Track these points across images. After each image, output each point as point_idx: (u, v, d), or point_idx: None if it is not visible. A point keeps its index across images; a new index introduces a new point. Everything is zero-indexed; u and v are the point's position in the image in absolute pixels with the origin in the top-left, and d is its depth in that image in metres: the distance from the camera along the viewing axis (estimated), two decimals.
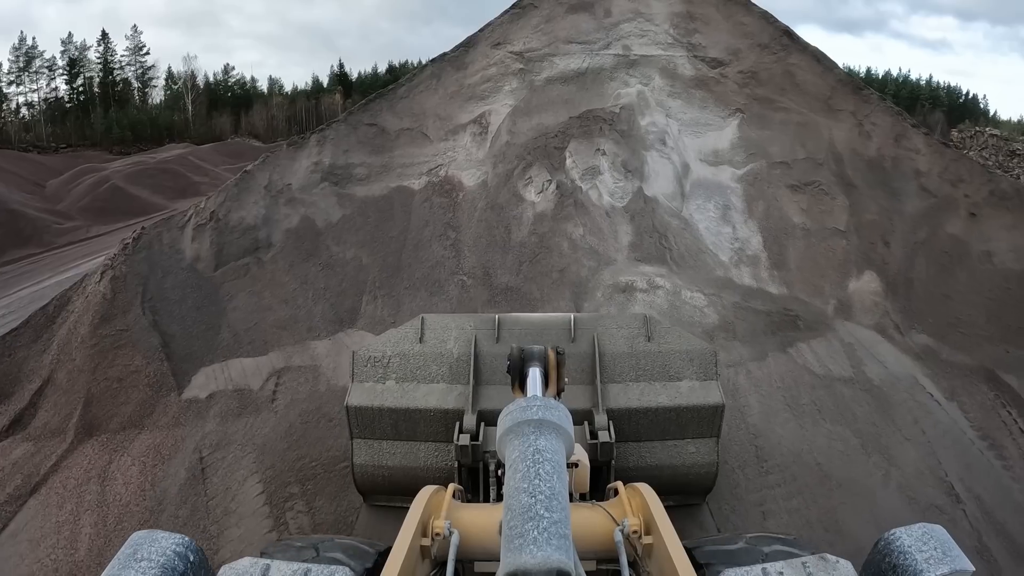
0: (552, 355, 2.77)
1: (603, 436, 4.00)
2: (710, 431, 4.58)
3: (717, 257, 9.18)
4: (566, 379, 2.83)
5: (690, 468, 4.58)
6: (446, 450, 4.38)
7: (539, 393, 2.58)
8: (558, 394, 2.76)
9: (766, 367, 7.75)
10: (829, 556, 1.94)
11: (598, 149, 9.72)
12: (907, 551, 1.85)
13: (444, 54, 10.88)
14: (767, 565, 1.93)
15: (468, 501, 3.00)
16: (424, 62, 11.34)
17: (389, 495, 4.81)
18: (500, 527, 1.65)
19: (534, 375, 2.67)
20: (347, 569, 1.92)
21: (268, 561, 1.92)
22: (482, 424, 4.11)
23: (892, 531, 1.94)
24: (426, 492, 2.38)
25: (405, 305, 8.43)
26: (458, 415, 4.29)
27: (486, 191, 9.65)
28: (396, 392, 4.54)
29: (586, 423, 4.16)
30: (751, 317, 8.42)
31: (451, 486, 2.58)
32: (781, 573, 1.88)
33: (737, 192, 10.10)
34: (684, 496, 4.85)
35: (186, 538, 1.81)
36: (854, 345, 8.38)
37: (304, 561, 2.04)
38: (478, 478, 3.88)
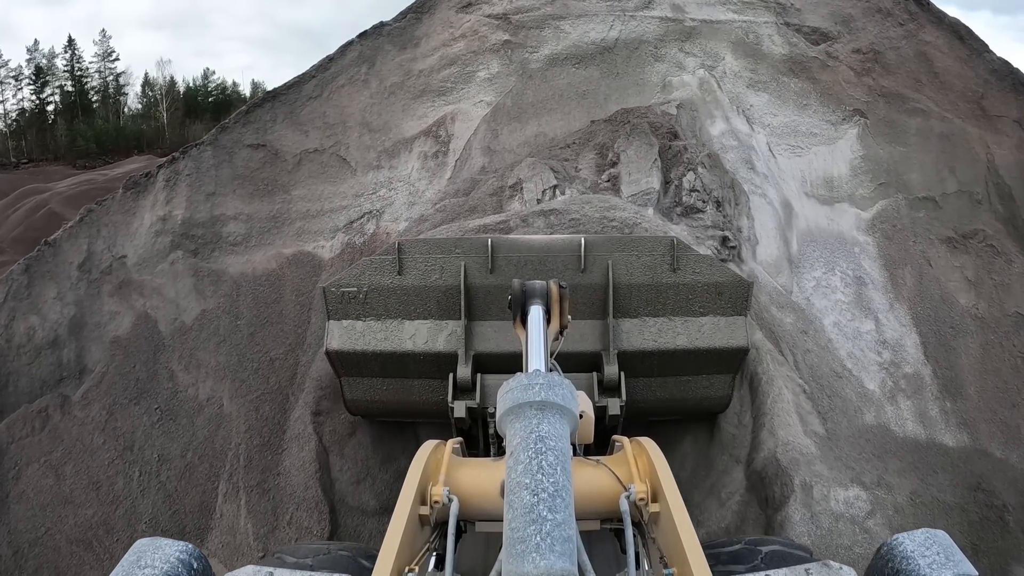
0: (555, 289, 2.75)
1: (613, 408, 3.73)
2: (728, 368, 4.26)
3: (861, 383, 5.15)
4: (569, 316, 2.80)
5: (701, 400, 4.38)
6: (441, 386, 3.96)
7: (541, 330, 2.57)
8: (561, 331, 2.78)
9: None
10: (832, 563, 1.92)
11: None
12: (910, 556, 1.80)
13: (382, 23, 6.78)
14: (771, 572, 1.96)
15: (469, 452, 3.14)
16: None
17: (386, 417, 4.69)
18: (501, 488, 1.71)
19: (535, 314, 2.64)
20: None
21: (271, 569, 1.93)
22: (479, 375, 3.81)
23: (895, 536, 1.88)
24: (424, 451, 2.30)
25: (287, 514, 4.39)
26: (451, 359, 3.85)
27: None
28: (379, 332, 4.06)
29: (594, 374, 3.89)
30: (939, 520, 4.46)
31: (450, 442, 2.49)
32: None
33: (870, 251, 6.07)
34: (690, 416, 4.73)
35: (190, 545, 1.78)
36: None
37: (306, 569, 2.15)
38: (478, 425, 3.77)
